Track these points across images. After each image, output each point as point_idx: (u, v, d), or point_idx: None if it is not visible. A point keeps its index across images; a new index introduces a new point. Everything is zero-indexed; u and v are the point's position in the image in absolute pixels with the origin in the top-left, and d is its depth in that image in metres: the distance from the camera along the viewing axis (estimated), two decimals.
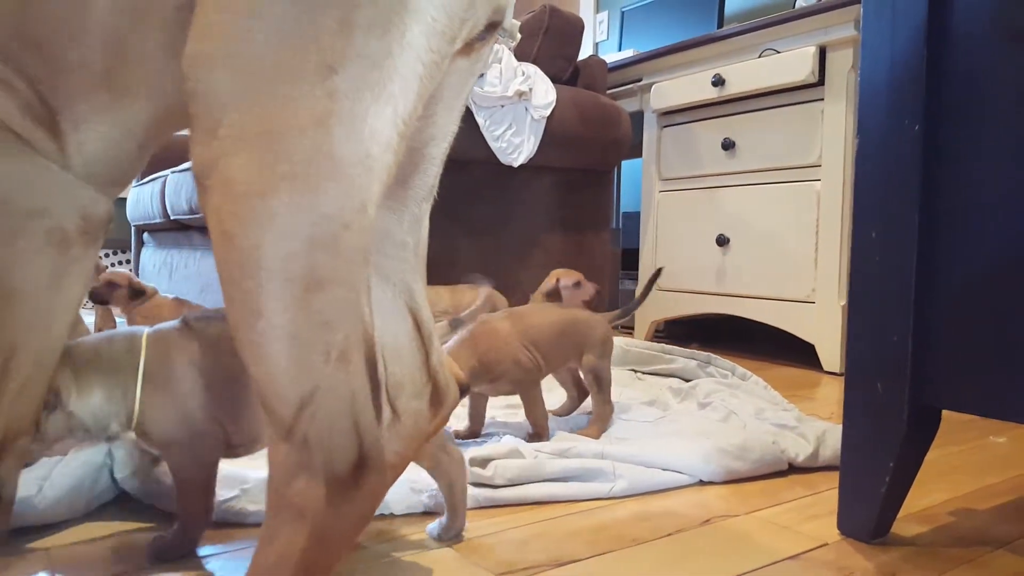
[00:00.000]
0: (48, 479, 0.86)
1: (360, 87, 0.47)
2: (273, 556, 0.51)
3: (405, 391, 0.74)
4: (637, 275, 2.74)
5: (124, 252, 3.85)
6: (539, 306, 1.35)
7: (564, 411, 1.39)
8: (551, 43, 2.46)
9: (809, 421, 1.29)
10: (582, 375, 1.32)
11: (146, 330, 0.80)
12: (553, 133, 2.32)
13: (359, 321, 0.51)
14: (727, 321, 2.45)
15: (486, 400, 1.26)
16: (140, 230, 3.28)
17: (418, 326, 0.74)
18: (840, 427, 1.21)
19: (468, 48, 0.64)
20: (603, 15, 4.03)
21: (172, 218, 2.52)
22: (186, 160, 2.52)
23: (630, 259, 3.05)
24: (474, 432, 1.25)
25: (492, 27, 0.64)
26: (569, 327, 1.30)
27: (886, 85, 0.85)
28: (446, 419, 0.78)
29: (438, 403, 0.76)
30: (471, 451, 1.07)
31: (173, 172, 2.49)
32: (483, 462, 1.05)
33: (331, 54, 0.47)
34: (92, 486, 0.89)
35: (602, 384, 1.29)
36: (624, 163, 3.61)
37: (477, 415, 1.25)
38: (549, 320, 1.29)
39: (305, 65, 0.46)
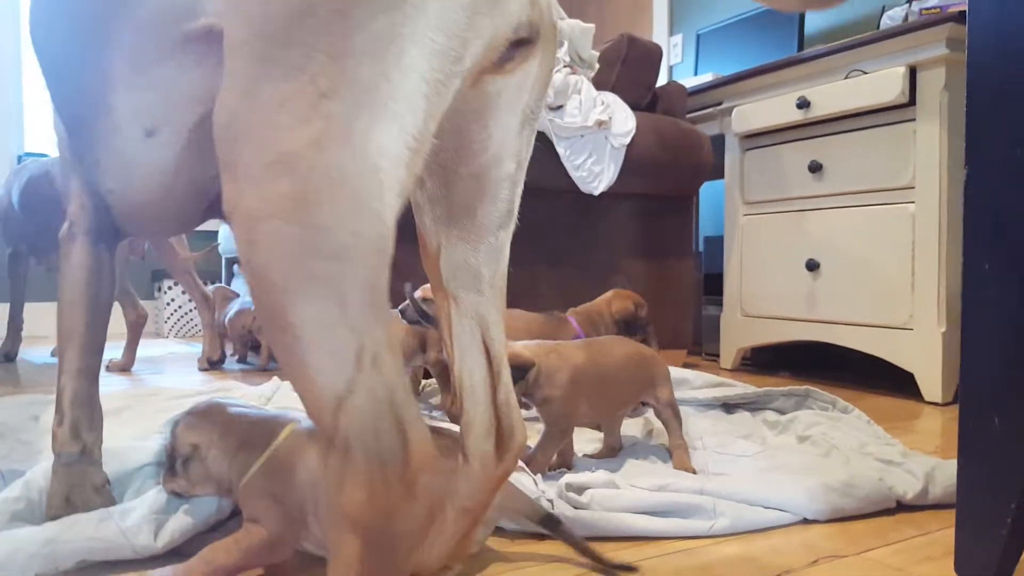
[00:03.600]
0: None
1: (357, 109, 0.50)
2: (339, 570, 0.52)
3: (474, 431, 0.74)
4: (721, 301, 2.69)
5: (212, 283, 4.00)
6: (612, 339, 1.34)
7: (601, 456, 1.34)
8: (630, 71, 2.46)
9: (916, 456, 1.24)
10: (656, 412, 1.31)
11: (296, 422, 0.83)
12: (633, 160, 2.32)
13: (384, 324, 0.52)
14: (816, 348, 2.38)
15: (571, 430, 1.26)
16: (230, 262, 3.42)
17: (490, 362, 0.74)
18: (950, 463, 1.17)
19: (499, 67, 0.65)
20: (677, 38, 4.01)
21: None
22: None
23: (713, 284, 3.00)
24: (564, 464, 1.24)
25: (522, 44, 0.65)
26: (640, 360, 1.30)
27: (996, 111, 0.82)
28: (513, 464, 0.76)
29: (503, 446, 0.74)
30: (567, 477, 1.07)
31: None
32: (579, 489, 1.05)
33: (324, 82, 0.50)
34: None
35: (679, 418, 1.28)
36: (705, 186, 3.57)
37: (565, 447, 1.25)
38: (624, 353, 1.29)
39: (301, 96, 0.50)
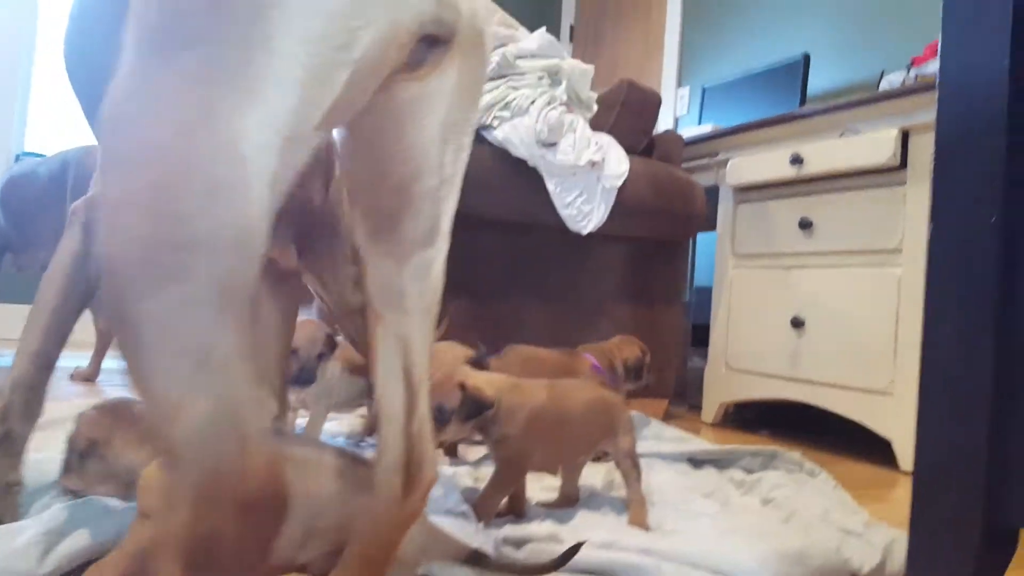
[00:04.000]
0: None
1: (220, 95, 0.47)
2: None
3: (383, 462, 0.70)
4: (707, 352, 2.65)
5: None
6: (576, 383, 1.30)
7: (556, 505, 1.28)
8: (628, 116, 2.46)
9: (878, 527, 1.19)
10: (616, 462, 1.25)
11: None
12: (625, 203, 2.30)
13: (243, 327, 0.48)
14: (800, 409, 2.33)
15: (524, 475, 1.21)
16: None
17: (409, 387, 0.70)
18: None
19: (412, 71, 0.62)
20: (684, 90, 4.03)
21: None
22: None
23: (700, 334, 2.96)
24: (514, 511, 1.19)
25: (435, 45, 0.62)
26: (603, 406, 1.25)
27: (963, 171, 0.80)
28: (421, 503, 0.72)
29: (411, 482, 0.70)
30: (507, 529, 1.03)
31: None
32: (519, 543, 1.01)
33: (192, 68, 0.48)
34: None
35: (639, 469, 1.23)
36: (700, 236, 3.55)
37: (517, 493, 1.20)
38: (586, 398, 1.24)
39: (170, 84, 0.48)
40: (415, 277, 0.70)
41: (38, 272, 2.70)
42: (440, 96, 0.65)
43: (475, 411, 1.09)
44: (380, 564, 0.70)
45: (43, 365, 0.93)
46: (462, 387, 1.08)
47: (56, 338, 0.95)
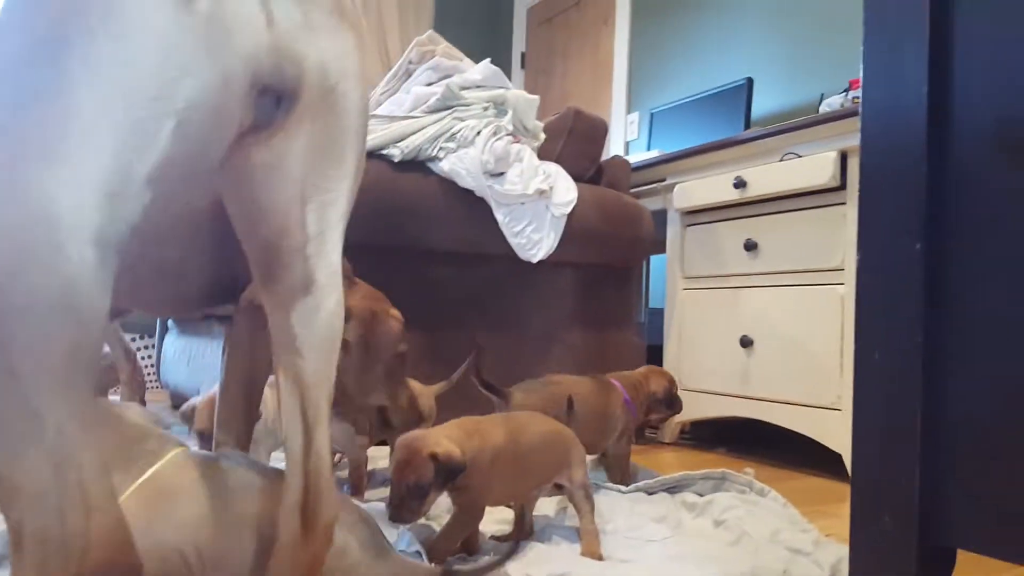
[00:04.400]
0: None
1: (23, 154, 0.47)
2: None
3: (286, 504, 0.70)
4: None
5: (150, 337, 3.89)
6: (530, 415, 1.29)
7: (509, 538, 1.27)
8: (575, 144, 2.49)
9: (826, 545, 1.21)
10: (568, 494, 1.25)
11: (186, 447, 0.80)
12: (574, 230, 2.32)
13: (79, 392, 0.47)
14: (754, 425, 2.36)
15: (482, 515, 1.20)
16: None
17: (305, 428, 0.71)
18: None
19: (259, 132, 0.62)
20: (634, 115, 4.09)
21: None
22: None
23: (655, 355, 2.99)
24: (468, 548, 1.18)
25: (281, 102, 0.62)
26: (557, 439, 1.25)
27: (886, 200, 0.82)
28: (322, 547, 0.71)
29: (307, 524, 0.69)
30: (455, 563, 1.02)
31: None
32: None
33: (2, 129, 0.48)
34: None
35: (592, 500, 1.24)
36: (654, 258, 3.60)
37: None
38: (541, 431, 1.24)
39: None
40: (302, 323, 0.70)
41: None
42: (291, 158, 0.65)
43: (451, 476, 1.08)
44: None
45: None
46: (434, 458, 1.06)
47: None
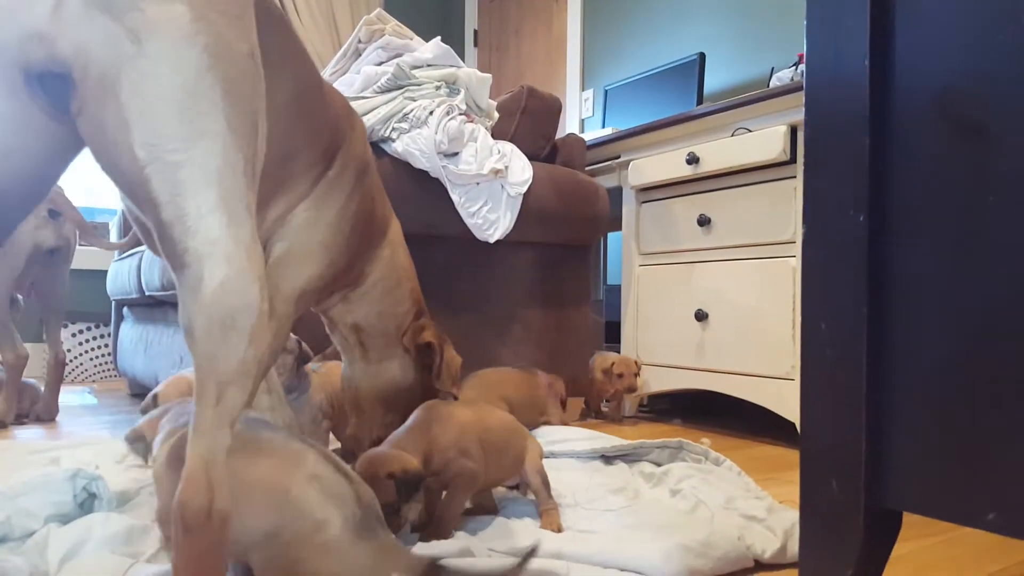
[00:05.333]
0: None
1: None
2: None
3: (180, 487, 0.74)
4: (619, 348, 2.70)
5: (106, 326, 3.82)
6: (494, 409, 1.29)
7: (473, 514, 1.29)
8: (529, 122, 2.48)
9: (780, 511, 1.24)
10: (529, 481, 1.26)
11: None
12: (530, 209, 2.32)
13: None
14: (710, 396, 2.41)
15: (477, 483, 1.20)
16: (119, 304, 3.26)
17: (199, 408, 0.73)
18: None
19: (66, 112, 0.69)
20: (588, 92, 4.10)
21: (147, 294, 2.50)
22: None
23: (614, 332, 3.02)
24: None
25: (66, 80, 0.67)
26: (518, 434, 1.26)
27: (829, 173, 0.84)
28: (209, 533, 0.70)
29: (188, 509, 0.70)
30: (418, 548, 1.02)
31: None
32: None
33: None
34: None
35: (548, 484, 1.25)
36: (611, 235, 3.62)
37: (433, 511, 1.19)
38: (504, 423, 1.24)
39: None
40: (188, 299, 0.70)
41: None
42: (108, 127, 0.68)
43: (414, 488, 1.07)
44: None
45: None
46: (391, 476, 1.05)
47: None
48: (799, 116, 2.03)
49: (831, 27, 0.84)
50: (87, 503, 1.18)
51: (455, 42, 5.09)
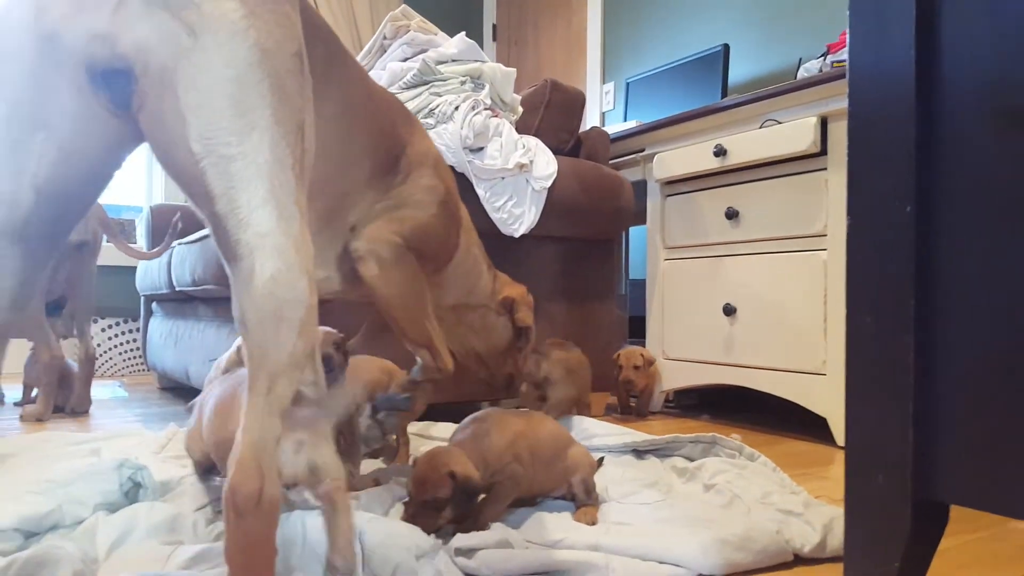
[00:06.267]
0: None
1: None
2: None
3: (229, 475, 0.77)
4: (644, 343, 2.69)
5: (134, 320, 3.86)
6: (544, 417, 1.30)
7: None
8: (553, 116, 2.47)
9: (817, 506, 1.23)
10: (574, 492, 1.25)
11: None
12: (555, 203, 2.31)
13: None
14: (738, 391, 2.39)
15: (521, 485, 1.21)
16: (148, 300, 3.30)
17: (254, 399, 0.76)
18: None
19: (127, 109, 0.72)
20: (609, 85, 4.08)
21: (177, 289, 2.52)
22: (191, 233, 2.53)
23: (638, 326, 3.01)
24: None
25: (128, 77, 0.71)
26: (566, 445, 1.26)
27: (874, 164, 0.83)
28: (260, 522, 0.72)
29: (240, 496, 0.72)
30: (457, 539, 1.03)
31: (179, 244, 2.50)
32: (469, 552, 1.01)
33: None
34: None
35: (591, 493, 1.25)
36: (633, 230, 3.61)
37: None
38: (554, 435, 1.25)
39: None
40: (240, 291, 0.72)
41: None
42: (166, 120, 0.71)
43: (468, 496, 1.09)
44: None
45: None
46: (452, 476, 1.07)
47: None
48: (829, 107, 2.01)
49: (875, 16, 0.83)
50: (132, 492, 1.21)
51: (473, 37, 5.07)
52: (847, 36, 0.85)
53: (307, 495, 0.90)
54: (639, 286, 3.31)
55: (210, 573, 0.94)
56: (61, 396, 2.41)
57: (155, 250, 2.58)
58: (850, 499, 0.83)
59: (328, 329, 1.39)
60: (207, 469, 1.30)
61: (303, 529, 0.99)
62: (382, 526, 0.99)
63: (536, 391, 1.89)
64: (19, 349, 2.92)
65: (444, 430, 1.89)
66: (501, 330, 1.65)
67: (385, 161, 1.20)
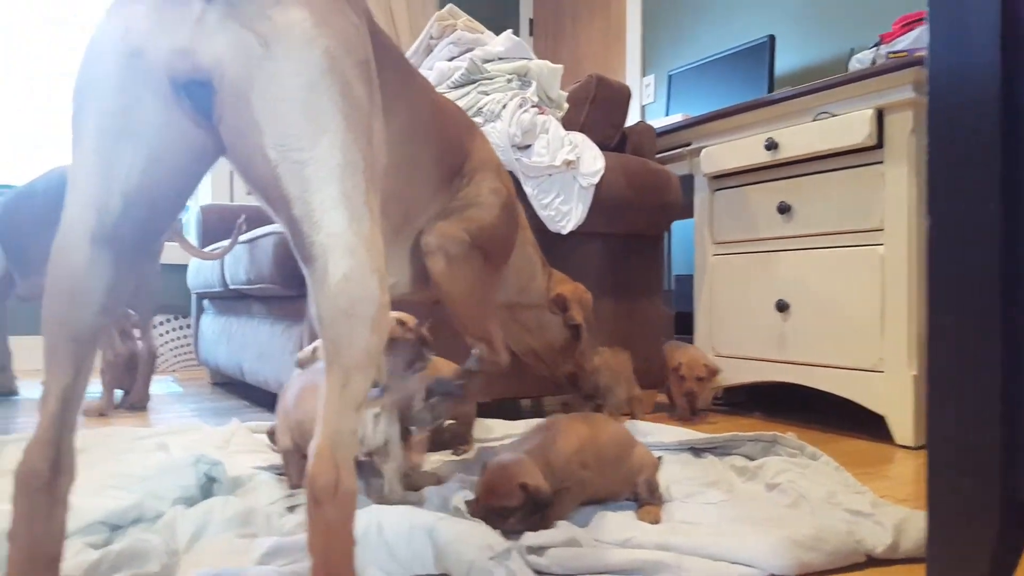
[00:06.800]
0: None
1: None
2: None
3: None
4: (692, 340, 2.67)
5: (184, 317, 3.93)
6: (607, 419, 1.30)
7: None
8: (598, 111, 2.46)
9: (885, 506, 1.21)
10: (639, 494, 1.25)
11: None
12: (602, 200, 2.30)
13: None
14: (788, 388, 2.36)
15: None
16: (200, 297, 3.36)
17: (327, 400, 0.78)
18: (921, 514, 1.14)
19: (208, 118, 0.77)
20: (649, 78, 4.05)
21: (231, 287, 2.56)
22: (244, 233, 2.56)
23: (684, 322, 2.99)
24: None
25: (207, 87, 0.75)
26: (630, 449, 1.26)
27: (958, 162, 0.81)
28: (339, 514, 0.73)
29: (319, 488, 0.73)
30: (528, 537, 1.03)
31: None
32: (539, 550, 1.01)
33: None
34: None
35: (655, 493, 1.24)
36: (676, 224, 3.58)
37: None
38: (617, 439, 1.25)
39: None
40: (315, 292, 0.74)
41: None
42: (243, 128, 0.74)
43: (537, 508, 1.09)
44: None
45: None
46: (523, 487, 1.07)
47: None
48: (885, 99, 1.98)
49: (957, 7, 0.82)
50: (205, 486, 1.24)
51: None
52: (928, 34, 0.84)
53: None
54: (683, 282, 3.29)
55: (289, 567, 0.96)
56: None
57: (220, 251, 2.62)
58: (933, 501, 0.82)
59: (402, 316, 1.42)
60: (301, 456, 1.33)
61: (378, 525, 1.01)
62: (454, 524, 1.01)
63: (588, 402, 1.88)
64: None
65: (506, 428, 1.91)
66: (556, 328, 1.66)
67: (451, 170, 1.24)
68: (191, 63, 0.72)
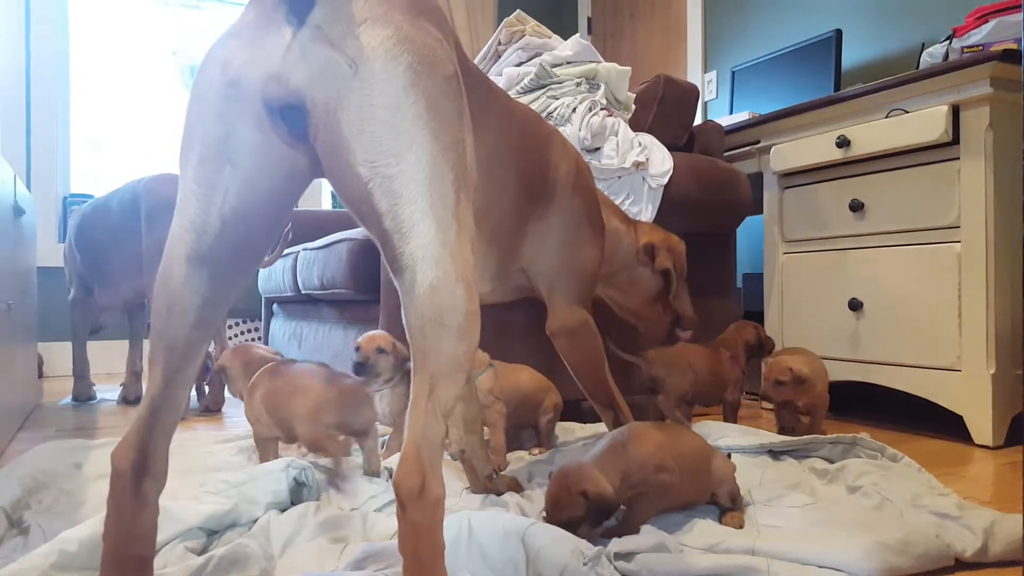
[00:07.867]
0: None
1: None
2: None
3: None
4: None
5: (254, 321, 4.05)
6: (683, 428, 1.28)
7: None
8: (666, 111, 2.47)
9: (972, 509, 1.21)
10: (719, 502, 1.25)
11: None
12: (671, 200, 2.31)
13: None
14: (860, 388, 2.34)
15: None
16: (269, 301, 3.46)
17: (411, 404, 0.80)
18: (1010, 517, 1.14)
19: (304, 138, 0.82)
20: (711, 74, 4.02)
21: (303, 292, 2.64)
22: (317, 238, 2.65)
23: (755, 321, 2.97)
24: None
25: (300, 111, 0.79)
26: (708, 456, 1.25)
27: None
28: (425, 517, 0.75)
29: (406, 492, 0.75)
30: (615, 543, 1.06)
31: (304, 250, 2.62)
32: (628, 556, 1.04)
33: None
34: None
35: (736, 499, 1.25)
36: (743, 223, 3.55)
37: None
38: (695, 446, 1.23)
39: None
40: (405, 300, 0.77)
41: (120, 309, 2.77)
42: (336, 147, 0.77)
43: (603, 515, 1.10)
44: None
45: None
46: (584, 495, 1.09)
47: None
48: (960, 95, 1.94)
49: None
50: (295, 491, 1.28)
51: (567, 31, 5.09)
52: (1003, 21, 0.83)
53: None
54: (753, 280, 3.27)
55: (383, 572, 0.99)
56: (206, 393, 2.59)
57: (268, 259, 2.71)
58: None
59: (379, 332, 1.54)
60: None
61: (469, 529, 1.04)
62: (546, 529, 1.03)
63: (651, 396, 1.88)
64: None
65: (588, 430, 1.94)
66: (648, 280, 1.73)
67: (537, 185, 1.29)
68: (283, 87, 0.75)
